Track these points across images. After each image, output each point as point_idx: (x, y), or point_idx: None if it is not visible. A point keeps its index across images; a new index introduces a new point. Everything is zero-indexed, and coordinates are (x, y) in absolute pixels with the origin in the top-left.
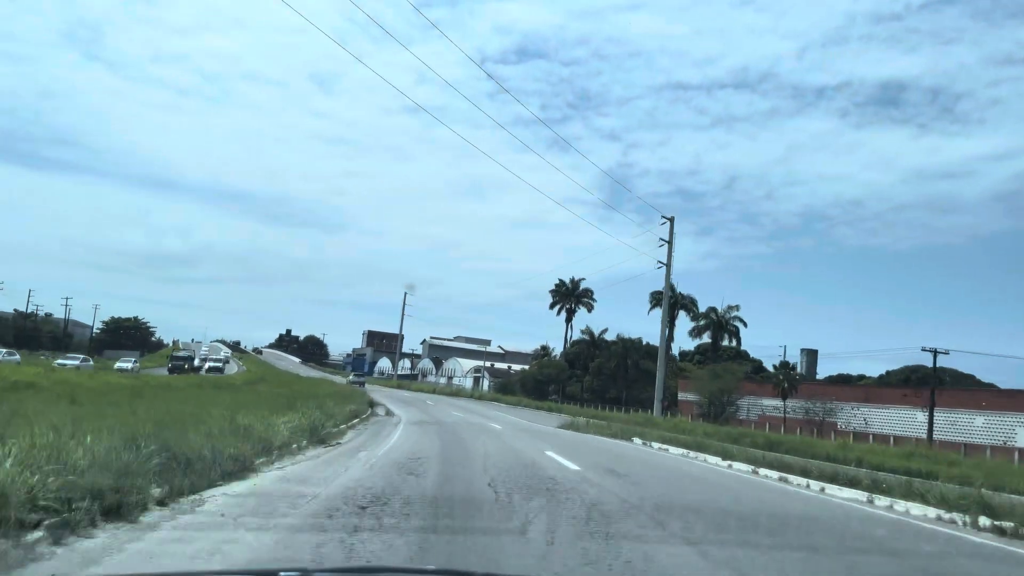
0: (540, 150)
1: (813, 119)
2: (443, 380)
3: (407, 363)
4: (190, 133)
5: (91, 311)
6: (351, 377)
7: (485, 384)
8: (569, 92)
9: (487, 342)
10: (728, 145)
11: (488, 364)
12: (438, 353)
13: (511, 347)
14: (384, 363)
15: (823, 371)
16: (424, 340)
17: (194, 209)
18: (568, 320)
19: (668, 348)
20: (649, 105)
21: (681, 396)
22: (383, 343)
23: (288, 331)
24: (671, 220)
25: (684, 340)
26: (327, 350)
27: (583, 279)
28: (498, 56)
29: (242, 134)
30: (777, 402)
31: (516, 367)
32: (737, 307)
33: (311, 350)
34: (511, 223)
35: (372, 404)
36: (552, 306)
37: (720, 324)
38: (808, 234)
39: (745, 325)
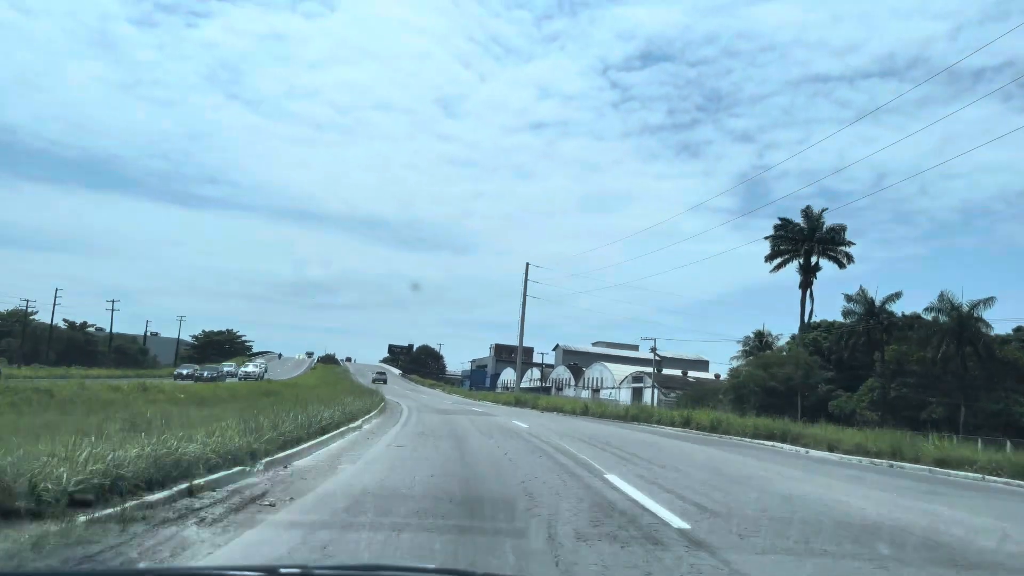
0: (668, 157)
1: (971, 105)
2: (585, 392)
3: (535, 373)
4: (326, 164)
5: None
6: (373, 375)
7: (651, 396)
8: (698, 94)
9: (634, 347)
10: (875, 139)
11: (653, 370)
12: (575, 360)
13: (667, 352)
14: (509, 374)
15: None
16: (557, 346)
17: (333, 238)
18: (805, 285)
19: None
20: (785, 102)
21: None
22: (511, 356)
23: (410, 345)
24: None
25: None
26: (443, 362)
27: (825, 209)
28: (621, 63)
29: (374, 162)
30: None
31: (674, 374)
32: None
33: (425, 362)
34: (640, 235)
35: None
36: (772, 258)
37: None
38: (969, 232)
39: None
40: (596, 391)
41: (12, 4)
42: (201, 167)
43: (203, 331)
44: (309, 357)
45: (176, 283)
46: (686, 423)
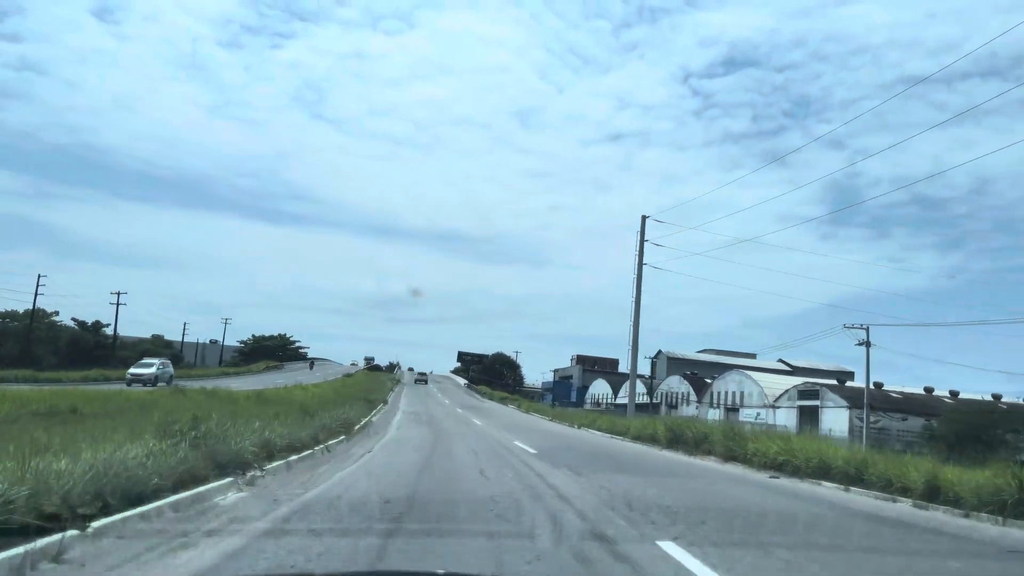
0: (752, 165)
1: None
2: (713, 412)
3: (638, 387)
4: (406, 180)
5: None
6: (415, 377)
7: (838, 420)
8: (784, 100)
9: (750, 355)
10: (975, 143)
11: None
12: (686, 368)
13: (800, 362)
14: (599, 387)
15: None
16: (659, 352)
17: (413, 252)
18: None
19: None
20: (878, 105)
21: None
22: (595, 367)
23: (483, 354)
24: None
25: None
26: (520, 372)
27: None
28: (703, 70)
29: (453, 177)
30: None
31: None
32: None
33: (500, 372)
34: (723, 247)
35: None
36: None
37: None
38: None
39: None
40: (733, 410)
41: (110, 32)
42: (288, 185)
43: (252, 336)
44: (368, 363)
45: (262, 297)
46: None
